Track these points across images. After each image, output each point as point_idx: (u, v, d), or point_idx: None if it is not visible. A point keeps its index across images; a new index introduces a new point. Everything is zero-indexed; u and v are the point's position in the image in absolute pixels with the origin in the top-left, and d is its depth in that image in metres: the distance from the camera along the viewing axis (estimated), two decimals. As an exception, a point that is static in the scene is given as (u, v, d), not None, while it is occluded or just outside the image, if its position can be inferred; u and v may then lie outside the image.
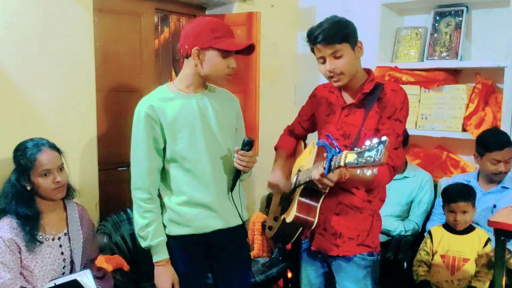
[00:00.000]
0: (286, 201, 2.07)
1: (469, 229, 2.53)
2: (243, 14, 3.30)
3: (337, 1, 3.58)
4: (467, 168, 3.11)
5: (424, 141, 3.34)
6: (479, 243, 2.48)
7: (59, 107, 2.47)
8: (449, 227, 2.55)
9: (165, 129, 1.92)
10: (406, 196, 2.99)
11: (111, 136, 2.89)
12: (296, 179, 2.02)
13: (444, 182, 3.02)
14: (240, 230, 2.09)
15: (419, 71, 3.16)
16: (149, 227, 1.95)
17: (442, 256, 2.52)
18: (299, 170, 2.04)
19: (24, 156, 1.99)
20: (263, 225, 3.30)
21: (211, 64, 1.90)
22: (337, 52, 1.86)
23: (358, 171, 1.55)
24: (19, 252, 1.96)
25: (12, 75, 2.29)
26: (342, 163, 1.58)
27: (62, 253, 2.08)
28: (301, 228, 1.98)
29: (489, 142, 2.63)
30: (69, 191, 2.14)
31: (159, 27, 3.52)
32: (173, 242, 2.00)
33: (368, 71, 1.99)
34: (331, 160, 1.66)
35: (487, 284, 2.42)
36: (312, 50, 1.95)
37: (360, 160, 1.52)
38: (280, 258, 3.16)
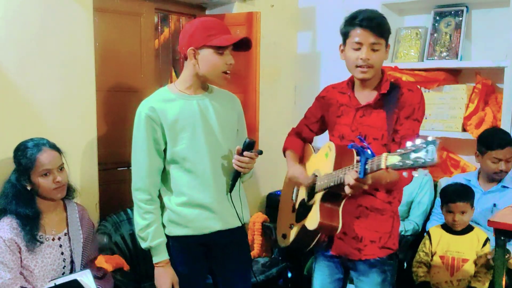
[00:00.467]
0: (302, 207, 2.04)
1: (468, 229, 2.53)
2: (243, 14, 3.30)
3: (337, 1, 3.58)
4: (467, 168, 3.11)
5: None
6: (477, 243, 2.48)
7: (59, 107, 2.47)
8: (448, 228, 2.55)
9: (166, 130, 1.92)
10: (406, 196, 2.98)
11: (111, 136, 2.89)
12: (313, 185, 1.98)
13: (444, 182, 3.02)
14: (240, 231, 2.09)
15: (419, 71, 3.16)
16: (149, 228, 1.95)
17: (441, 257, 2.52)
18: (315, 175, 1.99)
19: (24, 156, 1.99)
20: (263, 225, 3.30)
21: (208, 62, 1.90)
22: (376, 44, 1.85)
23: (402, 172, 1.49)
24: (19, 252, 1.96)
25: (12, 75, 2.29)
26: (383, 166, 1.54)
27: (62, 253, 2.08)
28: (319, 234, 1.95)
29: (491, 140, 2.64)
30: (69, 191, 2.14)
31: (159, 27, 3.53)
32: (172, 243, 2.00)
33: (382, 71, 1.97)
34: (365, 163, 1.61)
35: (487, 284, 2.42)
36: (345, 34, 1.91)
37: (406, 162, 1.46)
38: (280, 258, 3.16)
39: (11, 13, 2.26)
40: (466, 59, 3.13)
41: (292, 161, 2.11)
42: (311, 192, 1.99)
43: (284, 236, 2.14)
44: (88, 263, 2.16)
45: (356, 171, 1.65)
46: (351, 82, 2.01)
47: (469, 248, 2.49)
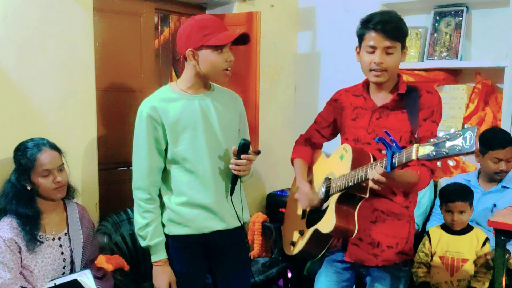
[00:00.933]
0: (314, 212, 2.00)
1: (467, 229, 2.52)
2: (243, 14, 3.30)
3: (337, 1, 3.58)
4: (467, 168, 3.10)
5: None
6: (477, 243, 2.48)
7: (59, 107, 2.47)
8: (447, 228, 2.55)
9: (167, 130, 1.92)
10: (406, 196, 2.99)
11: (111, 136, 2.89)
12: (326, 187, 1.95)
13: (444, 182, 3.01)
14: (239, 232, 2.09)
15: (419, 71, 3.16)
16: (149, 227, 1.96)
17: (441, 257, 2.52)
18: (328, 178, 1.97)
19: (24, 156, 1.99)
20: (263, 225, 3.30)
21: (208, 62, 1.90)
22: (391, 48, 1.82)
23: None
24: (19, 252, 1.96)
25: (12, 75, 2.29)
26: (414, 157, 1.49)
27: (62, 253, 2.08)
28: (332, 239, 1.91)
29: (492, 140, 2.64)
30: (69, 191, 2.14)
31: (159, 27, 3.52)
32: (172, 242, 2.00)
33: (398, 74, 1.95)
34: (392, 157, 1.58)
35: (487, 284, 2.42)
36: (360, 36, 1.88)
37: (440, 150, 1.43)
38: (280, 258, 3.16)
39: (11, 13, 2.26)
40: (466, 59, 3.13)
41: (300, 175, 2.07)
42: (325, 195, 1.96)
43: (293, 244, 2.10)
44: (88, 263, 2.16)
45: (381, 166, 1.62)
46: (366, 84, 1.99)
47: (469, 248, 2.48)
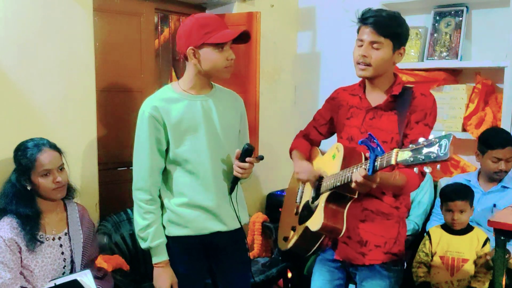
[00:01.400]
0: (306, 209, 2.02)
1: (468, 229, 2.52)
2: (243, 14, 3.30)
3: (337, 1, 3.58)
4: (467, 168, 3.11)
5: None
6: (477, 243, 2.48)
7: (59, 107, 2.47)
8: (448, 228, 2.55)
9: (169, 130, 1.91)
10: (406, 196, 2.99)
11: (111, 136, 2.89)
12: (318, 185, 1.96)
13: (444, 182, 3.02)
14: (239, 232, 2.08)
15: (419, 71, 3.16)
16: (150, 228, 1.94)
17: (441, 257, 2.52)
18: (321, 177, 1.98)
19: (24, 156, 1.99)
20: (263, 225, 3.30)
21: (209, 60, 1.89)
22: (377, 43, 1.83)
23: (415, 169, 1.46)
24: (20, 252, 1.96)
25: (12, 75, 2.29)
26: (393, 162, 1.50)
27: (62, 253, 2.08)
28: (322, 237, 1.92)
29: (492, 140, 2.64)
30: (70, 191, 2.14)
31: (159, 27, 3.52)
32: (172, 243, 1.99)
33: (394, 75, 1.96)
34: (374, 160, 1.59)
35: (487, 284, 2.42)
36: (358, 31, 1.91)
37: (417, 157, 1.43)
38: (280, 258, 3.15)
39: (11, 13, 2.26)
40: (466, 59, 3.13)
41: (299, 158, 2.08)
42: (316, 193, 1.97)
43: (286, 239, 2.12)
44: (88, 263, 2.16)
45: (365, 168, 1.63)
46: (362, 84, 2.00)
47: (469, 248, 2.48)
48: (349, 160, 1.84)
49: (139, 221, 1.96)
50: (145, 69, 3.11)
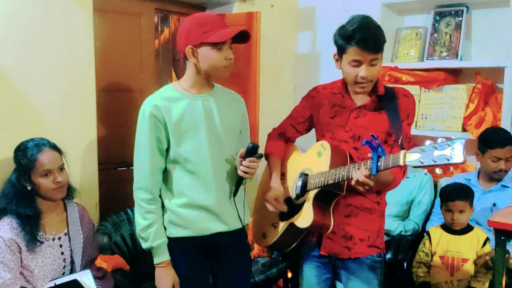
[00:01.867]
0: (288, 206, 2.03)
1: (468, 229, 2.53)
2: (243, 14, 3.30)
3: (337, 1, 3.58)
4: (467, 168, 3.11)
5: (424, 141, 3.33)
6: (477, 243, 2.48)
7: (59, 107, 2.47)
8: (448, 228, 2.55)
9: (170, 129, 1.90)
10: (406, 196, 2.99)
11: (111, 136, 2.89)
12: (303, 182, 1.98)
13: (444, 182, 3.01)
14: (241, 233, 2.08)
15: (419, 71, 3.16)
16: (151, 228, 1.93)
17: (441, 257, 2.52)
18: (305, 174, 1.99)
19: (24, 156, 1.99)
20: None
21: (208, 59, 1.88)
22: (375, 60, 1.83)
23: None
24: (20, 252, 1.96)
25: (12, 75, 2.29)
26: (401, 163, 1.57)
27: (62, 253, 2.08)
28: (305, 232, 1.95)
29: (491, 139, 2.64)
30: (70, 191, 2.14)
31: (159, 27, 3.53)
32: (173, 244, 1.98)
33: None
34: (378, 160, 1.65)
35: (487, 284, 2.42)
36: (341, 48, 1.84)
37: (427, 159, 1.50)
38: (280, 258, 3.15)
39: (11, 13, 2.26)
40: (466, 59, 3.13)
41: (275, 174, 2.09)
42: (301, 190, 1.99)
43: (264, 236, 2.15)
44: (88, 263, 2.15)
45: (366, 168, 1.69)
46: (344, 82, 2.00)
47: (469, 248, 2.48)
48: (336, 158, 1.88)
49: (140, 221, 1.95)
50: (145, 69, 3.11)
